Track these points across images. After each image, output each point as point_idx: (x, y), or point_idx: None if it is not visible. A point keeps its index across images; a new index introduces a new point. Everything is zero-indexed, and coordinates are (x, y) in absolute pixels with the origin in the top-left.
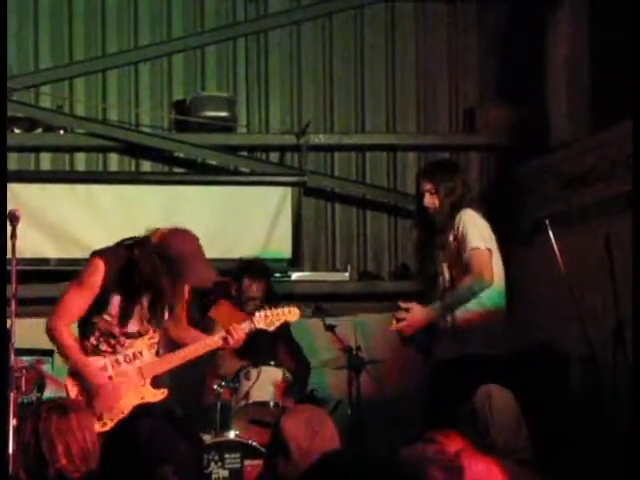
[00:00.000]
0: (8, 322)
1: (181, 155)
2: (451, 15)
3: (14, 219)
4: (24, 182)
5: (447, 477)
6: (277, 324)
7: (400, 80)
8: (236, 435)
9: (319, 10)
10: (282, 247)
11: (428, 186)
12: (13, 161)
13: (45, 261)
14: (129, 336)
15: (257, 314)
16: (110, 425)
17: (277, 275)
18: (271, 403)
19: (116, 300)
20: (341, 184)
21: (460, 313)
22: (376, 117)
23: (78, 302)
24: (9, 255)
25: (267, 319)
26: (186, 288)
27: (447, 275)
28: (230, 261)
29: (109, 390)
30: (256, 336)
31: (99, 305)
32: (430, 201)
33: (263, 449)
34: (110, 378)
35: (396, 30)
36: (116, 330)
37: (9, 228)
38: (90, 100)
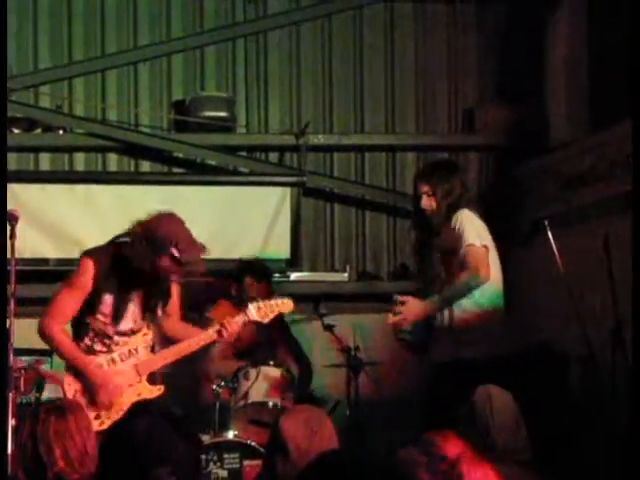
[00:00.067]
0: (7, 322)
1: (180, 155)
2: (450, 16)
3: (13, 219)
4: (23, 182)
5: None
6: (271, 316)
7: (399, 81)
8: (235, 435)
9: (318, 11)
10: (281, 247)
11: (425, 188)
12: (12, 161)
13: (44, 261)
14: (123, 334)
15: (250, 306)
16: (108, 424)
17: (276, 275)
18: (270, 403)
19: (108, 299)
20: (340, 184)
21: (458, 313)
22: (375, 117)
23: (70, 303)
24: (8, 255)
25: (260, 311)
26: (177, 285)
27: (445, 275)
28: (229, 261)
29: (110, 385)
30: (256, 336)
31: (91, 305)
32: (427, 203)
33: (262, 449)
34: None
35: (395, 31)
36: (109, 329)
37: (8, 228)
38: (89, 100)
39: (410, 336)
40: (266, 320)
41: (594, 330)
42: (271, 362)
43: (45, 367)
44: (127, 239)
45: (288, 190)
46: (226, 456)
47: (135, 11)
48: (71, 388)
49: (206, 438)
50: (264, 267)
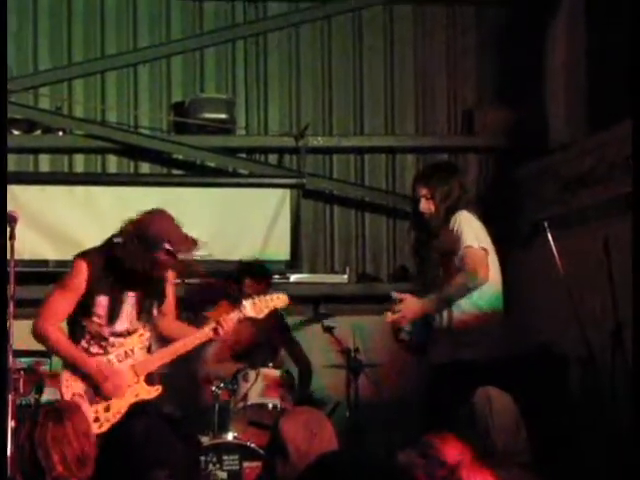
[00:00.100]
0: (6, 323)
1: (180, 157)
2: (449, 17)
3: (12, 220)
4: (23, 184)
5: None
6: (266, 311)
7: (399, 82)
8: (234, 437)
9: (318, 13)
10: (281, 249)
11: (424, 191)
12: (12, 162)
13: (44, 262)
14: (119, 335)
15: (245, 302)
16: (107, 426)
17: (276, 277)
18: (269, 405)
19: (103, 301)
20: (340, 186)
21: (457, 314)
22: (375, 119)
23: (62, 304)
24: (8, 256)
25: (255, 307)
26: (172, 284)
27: (444, 276)
28: (229, 263)
29: (111, 374)
30: (255, 337)
31: (86, 307)
32: (426, 206)
33: (261, 451)
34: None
35: (394, 32)
36: (105, 331)
37: (7, 229)
38: (89, 102)
39: (409, 336)
40: (261, 316)
41: (594, 332)
42: (270, 364)
43: (45, 368)
44: (119, 240)
45: (288, 192)
46: (225, 458)
47: (135, 13)
48: (69, 385)
49: (205, 440)
50: (264, 268)
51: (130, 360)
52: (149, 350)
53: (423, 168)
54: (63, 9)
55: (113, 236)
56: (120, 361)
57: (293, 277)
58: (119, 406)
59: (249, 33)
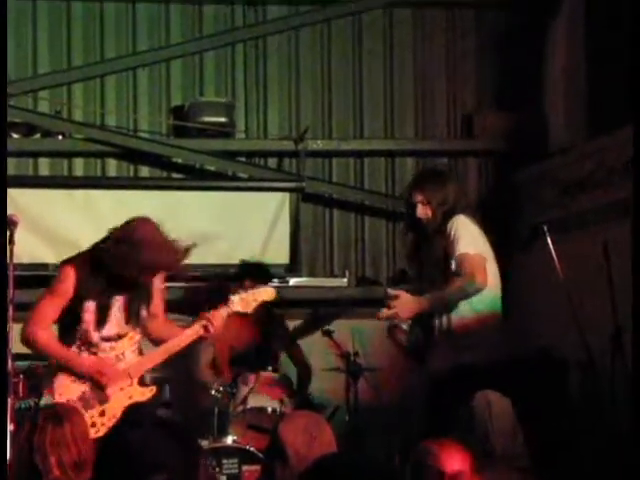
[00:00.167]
0: (6, 327)
1: (179, 160)
2: (449, 21)
3: (12, 224)
4: (22, 187)
5: None
6: (254, 305)
7: (398, 86)
8: (234, 440)
9: (317, 16)
10: (280, 253)
11: (420, 197)
12: (11, 166)
13: (43, 266)
14: (108, 340)
15: (232, 298)
16: (103, 431)
17: (275, 281)
18: (269, 409)
19: (91, 306)
20: (339, 190)
21: (455, 319)
22: (374, 123)
23: (51, 310)
24: (7, 260)
25: (243, 301)
26: (160, 284)
27: (442, 281)
28: (228, 266)
29: (107, 368)
30: (257, 341)
31: (74, 313)
32: (423, 212)
33: (261, 454)
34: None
35: (394, 36)
36: (94, 336)
37: (7, 233)
38: (88, 105)
39: (405, 337)
40: (249, 310)
41: (593, 336)
42: (269, 367)
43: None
44: (106, 245)
45: (287, 195)
46: (225, 461)
47: (134, 16)
48: (62, 392)
49: (205, 443)
50: (264, 269)
51: (122, 364)
52: (140, 352)
53: (418, 174)
54: (62, 13)
55: (98, 243)
56: (112, 366)
57: (292, 281)
58: (114, 410)
59: (248, 36)
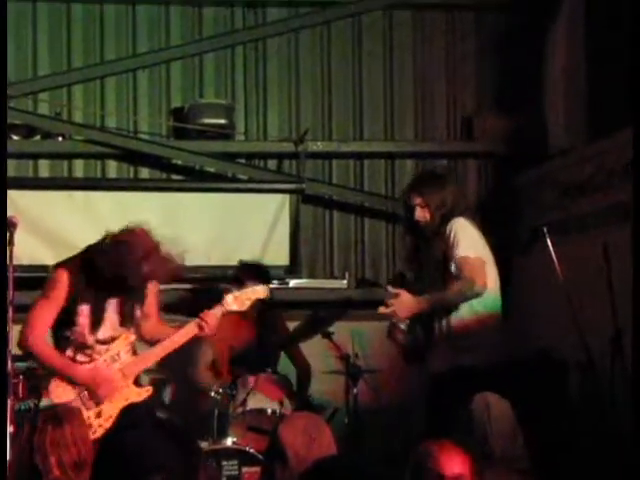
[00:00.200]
0: (6, 328)
1: (179, 162)
2: (449, 23)
3: (12, 226)
4: (22, 189)
5: None
6: (248, 303)
7: (398, 88)
8: (233, 442)
9: (317, 18)
10: (280, 254)
11: (418, 200)
12: (11, 168)
13: (43, 268)
14: (103, 343)
15: (226, 297)
16: (101, 432)
17: (275, 282)
18: (268, 410)
19: (85, 309)
20: (339, 191)
21: (455, 320)
22: (374, 125)
23: (46, 315)
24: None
25: (237, 300)
26: (154, 286)
27: (441, 283)
28: (228, 268)
29: (102, 380)
30: (256, 342)
31: (68, 317)
32: (421, 215)
33: (260, 456)
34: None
35: (394, 38)
36: (89, 339)
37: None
38: (88, 107)
39: (402, 336)
40: (244, 308)
41: (593, 338)
42: (269, 369)
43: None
44: (100, 253)
45: (287, 197)
46: (225, 463)
47: (134, 18)
48: (58, 395)
49: (205, 445)
50: (264, 269)
51: (117, 364)
52: (134, 353)
53: (416, 176)
54: (62, 15)
55: (93, 245)
56: (107, 366)
57: (292, 282)
58: (110, 411)
59: (248, 39)
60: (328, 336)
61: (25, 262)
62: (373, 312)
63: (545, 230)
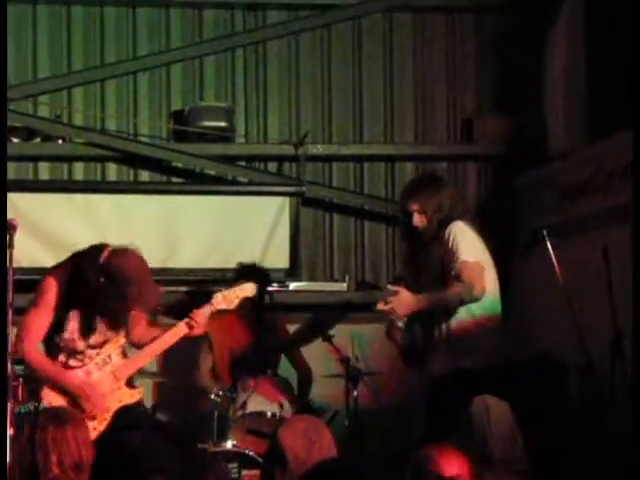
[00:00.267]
0: (6, 331)
1: (179, 165)
2: (449, 25)
3: (11, 228)
4: (22, 191)
5: None
6: (236, 302)
7: (398, 90)
8: (233, 445)
9: (317, 21)
10: (280, 257)
11: (415, 206)
12: (11, 170)
13: (43, 270)
14: (94, 347)
15: (215, 296)
16: (95, 435)
17: (275, 285)
18: (268, 413)
19: (75, 315)
20: (339, 194)
21: (454, 323)
22: (374, 127)
23: (38, 323)
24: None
25: (226, 299)
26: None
27: (440, 287)
28: (228, 271)
29: (92, 389)
30: (256, 345)
31: (59, 323)
32: (419, 220)
33: (260, 459)
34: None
35: (394, 40)
36: (80, 344)
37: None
38: (88, 110)
39: (400, 334)
40: (232, 307)
41: (593, 341)
42: (269, 371)
43: None
44: (85, 263)
45: (287, 200)
46: None
47: (134, 21)
48: (50, 401)
49: (205, 448)
50: (264, 272)
51: (108, 367)
52: (125, 355)
53: (411, 181)
54: (63, 17)
55: (80, 254)
56: (99, 369)
57: (292, 285)
58: (104, 414)
59: (249, 41)
60: (328, 339)
61: (25, 265)
62: (373, 315)
63: (545, 233)
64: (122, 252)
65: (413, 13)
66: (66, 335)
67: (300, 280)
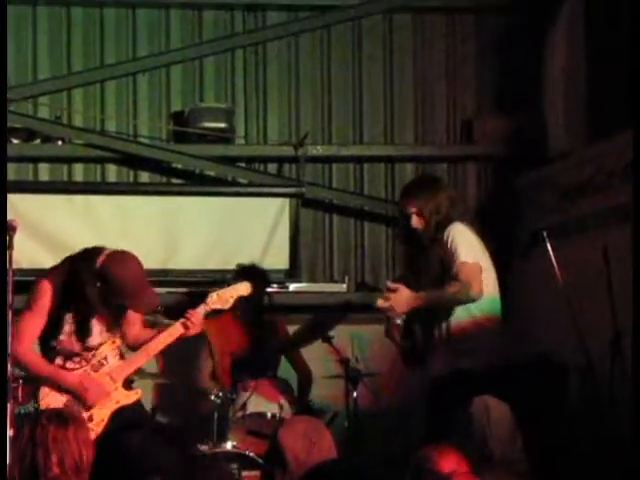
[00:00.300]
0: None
1: (179, 166)
2: (449, 26)
3: (11, 229)
4: (22, 192)
5: None
6: (231, 301)
7: (398, 91)
8: (233, 446)
9: (317, 22)
10: (280, 258)
11: (413, 209)
12: (11, 171)
13: (43, 272)
14: (90, 349)
15: (209, 296)
16: (92, 436)
17: (274, 286)
18: (268, 414)
19: (70, 318)
20: (339, 195)
21: (454, 324)
22: (374, 128)
23: (32, 326)
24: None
25: (221, 299)
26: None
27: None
28: (227, 272)
29: (91, 385)
30: (256, 346)
31: (55, 326)
32: (417, 222)
33: (260, 460)
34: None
35: (394, 41)
36: (76, 347)
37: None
38: (88, 111)
39: (399, 333)
40: (227, 306)
41: (593, 341)
42: (269, 373)
43: None
44: (80, 266)
45: (287, 201)
46: None
47: (134, 22)
48: (48, 403)
49: (205, 449)
50: (263, 273)
51: (105, 368)
52: (122, 356)
53: (407, 185)
54: (62, 18)
55: (71, 255)
56: (96, 371)
57: (292, 286)
58: (102, 415)
59: (248, 42)
60: (328, 340)
61: (25, 266)
62: (373, 316)
63: (545, 234)
64: (118, 255)
65: (413, 14)
66: (62, 337)
67: (300, 281)
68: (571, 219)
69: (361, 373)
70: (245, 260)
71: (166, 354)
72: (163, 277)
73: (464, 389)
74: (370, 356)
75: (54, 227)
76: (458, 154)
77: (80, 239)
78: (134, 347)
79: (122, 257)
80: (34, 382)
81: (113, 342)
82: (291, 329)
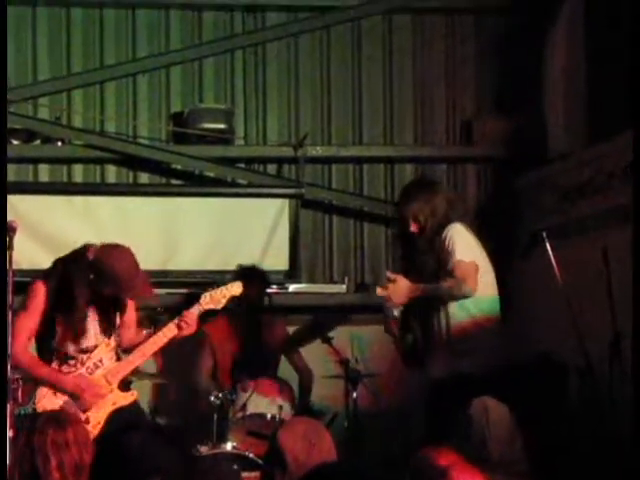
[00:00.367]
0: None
1: (179, 167)
2: (448, 26)
3: (11, 230)
4: (22, 193)
5: None
6: (224, 301)
7: (397, 92)
8: (233, 447)
9: (317, 22)
10: (279, 259)
11: (409, 212)
12: (11, 172)
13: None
14: (85, 352)
15: (203, 297)
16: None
17: (274, 287)
18: (268, 415)
19: (64, 320)
20: (338, 196)
21: (453, 324)
22: (373, 129)
23: (27, 327)
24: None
25: (214, 299)
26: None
27: None
28: (227, 273)
29: (87, 386)
30: (256, 347)
31: (50, 328)
32: (414, 226)
33: (260, 461)
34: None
35: (393, 42)
36: (71, 349)
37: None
38: (88, 112)
39: (397, 327)
40: (220, 306)
41: (592, 342)
42: (269, 373)
43: None
44: (71, 263)
45: (286, 202)
46: None
47: (134, 23)
48: (44, 405)
49: (204, 449)
50: (263, 274)
51: (100, 370)
52: (118, 358)
53: (404, 189)
54: (62, 19)
55: (67, 258)
56: (90, 373)
57: (292, 287)
58: (98, 417)
59: (248, 43)
60: (328, 341)
61: (24, 267)
62: (372, 316)
63: (544, 235)
64: (109, 247)
65: (413, 15)
66: (57, 339)
67: (299, 282)
68: (571, 220)
69: (361, 374)
70: (245, 261)
71: (165, 354)
72: (163, 278)
73: (463, 390)
74: (370, 357)
75: (54, 228)
76: (458, 155)
77: (80, 240)
78: (129, 350)
79: (114, 247)
80: (32, 382)
81: (108, 344)
82: (291, 330)
